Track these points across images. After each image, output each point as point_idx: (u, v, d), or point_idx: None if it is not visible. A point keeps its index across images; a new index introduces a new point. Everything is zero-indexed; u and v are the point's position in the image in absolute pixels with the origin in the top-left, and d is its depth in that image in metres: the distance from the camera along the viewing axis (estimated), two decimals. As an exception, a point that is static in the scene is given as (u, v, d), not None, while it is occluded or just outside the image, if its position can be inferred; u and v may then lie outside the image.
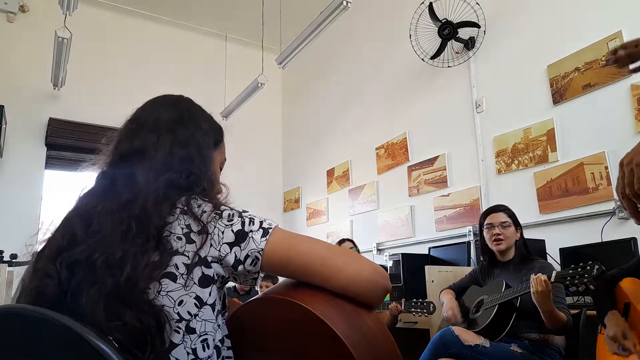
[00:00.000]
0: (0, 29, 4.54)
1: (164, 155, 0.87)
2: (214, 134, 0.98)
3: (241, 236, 0.80)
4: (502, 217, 2.25)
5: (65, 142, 4.58)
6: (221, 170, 1.02)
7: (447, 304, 2.30)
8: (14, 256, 3.24)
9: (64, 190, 4.70)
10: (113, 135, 0.95)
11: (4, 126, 4.11)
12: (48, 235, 0.83)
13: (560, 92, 2.95)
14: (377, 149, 4.43)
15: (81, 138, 4.60)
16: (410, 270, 3.19)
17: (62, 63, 4.00)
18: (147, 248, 0.76)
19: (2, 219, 4.10)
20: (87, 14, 4.75)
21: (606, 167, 2.64)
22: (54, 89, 4.49)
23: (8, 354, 0.66)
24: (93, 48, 4.90)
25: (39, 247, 0.82)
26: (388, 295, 2.65)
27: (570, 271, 1.82)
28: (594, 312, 1.83)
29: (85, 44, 4.66)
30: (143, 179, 0.83)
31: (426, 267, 2.84)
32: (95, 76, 4.88)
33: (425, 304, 2.45)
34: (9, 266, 3.13)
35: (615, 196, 2.58)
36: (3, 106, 4.06)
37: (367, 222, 4.45)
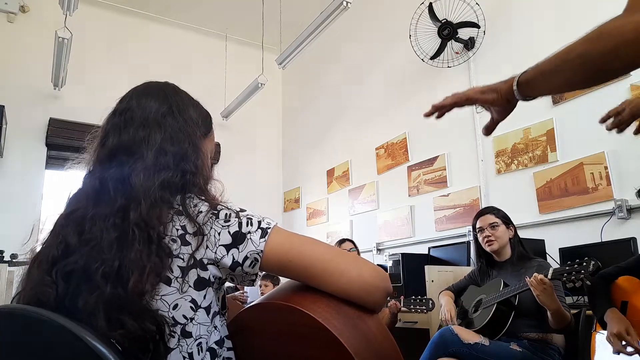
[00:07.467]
0: (1, 29, 4.55)
1: (155, 154, 0.82)
2: (204, 123, 0.93)
3: (239, 238, 0.77)
4: (490, 218, 2.27)
5: (66, 142, 4.57)
6: (212, 158, 0.96)
7: (444, 306, 2.32)
8: (14, 256, 3.25)
9: (65, 190, 4.70)
10: (97, 131, 0.90)
11: (4, 126, 4.12)
12: (43, 238, 0.80)
13: (559, 92, 2.96)
14: (377, 149, 4.43)
15: (81, 138, 4.39)
16: (410, 270, 3.18)
17: (63, 63, 4.00)
18: (149, 253, 0.73)
19: (2, 219, 4.10)
20: (88, 14, 4.75)
21: (606, 167, 2.64)
22: (55, 89, 4.49)
23: (8, 354, 0.66)
24: (93, 48, 4.90)
25: (33, 253, 0.79)
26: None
27: (567, 267, 1.86)
28: (593, 312, 1.84)
29: (85, 44, 4.66)
30: (136, 181, 0.78)
31: (426, 267, 2.83)
32: (95, 76, 4.88)
33: (424, 300, 2.45)
34: (9, 266, 3.14)
35: (615, 196, 2.59)
36: (3, 106, 4.06)
37: (367, 222, 4.45)
